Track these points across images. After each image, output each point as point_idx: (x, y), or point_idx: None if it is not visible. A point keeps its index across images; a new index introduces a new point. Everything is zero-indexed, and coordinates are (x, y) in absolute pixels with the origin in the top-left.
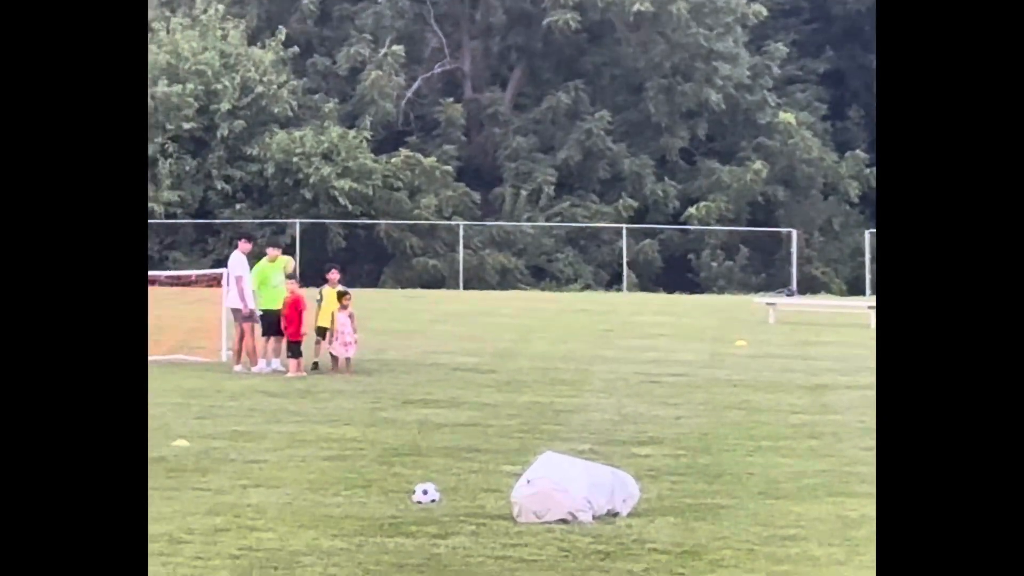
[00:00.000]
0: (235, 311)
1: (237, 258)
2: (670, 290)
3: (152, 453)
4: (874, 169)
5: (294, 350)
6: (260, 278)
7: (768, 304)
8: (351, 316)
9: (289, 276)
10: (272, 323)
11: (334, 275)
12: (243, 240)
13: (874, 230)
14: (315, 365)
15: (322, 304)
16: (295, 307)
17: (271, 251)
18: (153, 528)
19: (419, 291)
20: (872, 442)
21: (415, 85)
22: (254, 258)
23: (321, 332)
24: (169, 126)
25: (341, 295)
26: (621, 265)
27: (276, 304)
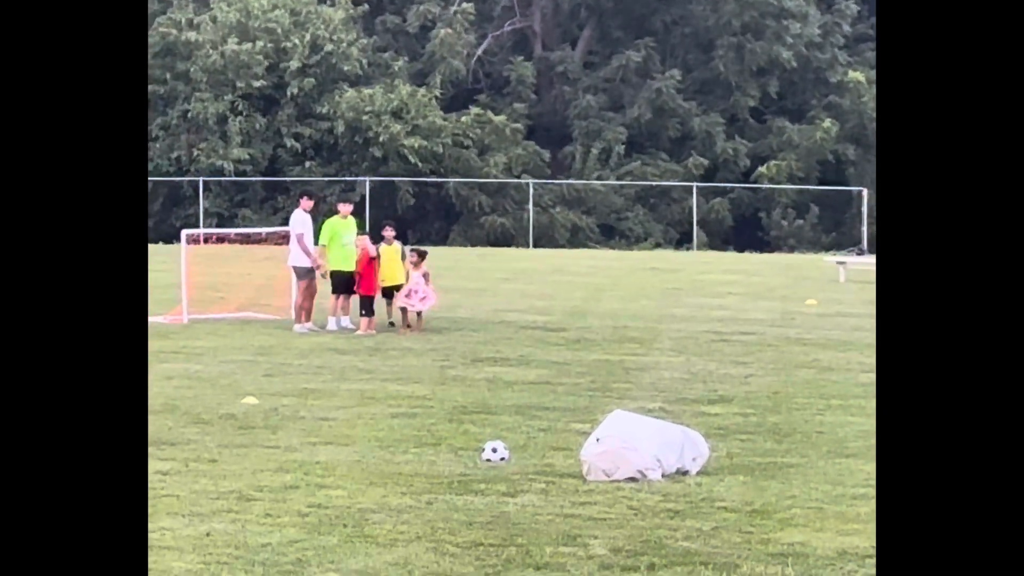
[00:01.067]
0: (296, 269)
1: (298, 216)
2: (740, 249)
3: (221, 410)
4: None
5: (366, 307)
6: (330, 234)
7: (838, 263)
8: (425, 275)
9: (361, 232)
10: (342, 282)
11: (389, 232)
12: (304, 198)
13: None
14: (391, 324)
15: (380, 262)
16: (368, 264)
17: (343, 208)
18: (223, 485)
19: (489, 249)
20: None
21: (485, 43)
22: (323, 215)
23: (386, 293)
24: (239, 84)
25: (413, 252)
26: (691, 224)
27: (346, 262)
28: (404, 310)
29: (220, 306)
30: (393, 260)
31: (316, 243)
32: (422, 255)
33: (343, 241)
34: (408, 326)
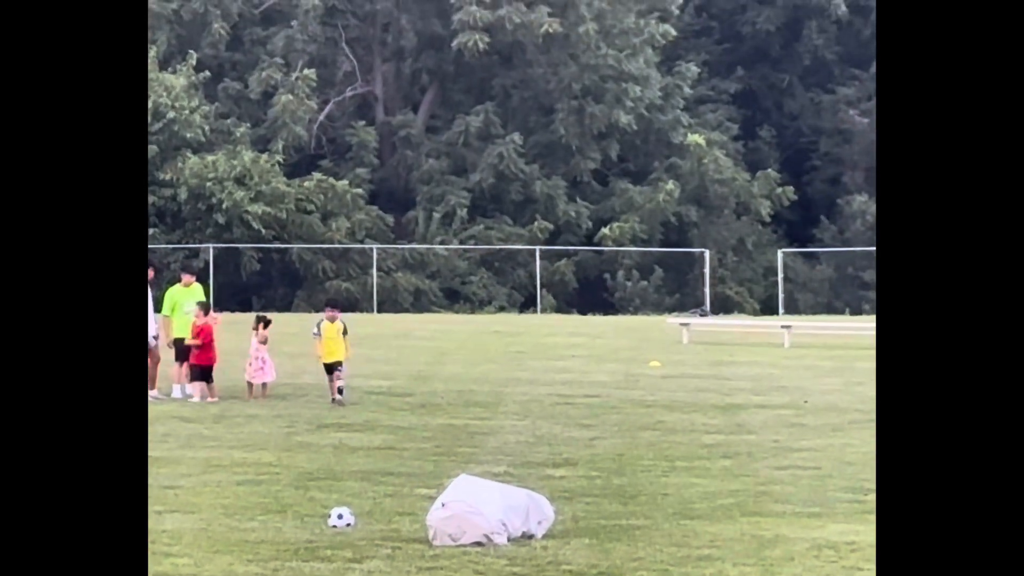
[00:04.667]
0: None
1: None
2: (584, 311)
3: None
4: (785, 188)
5: (196, 374)
6: (172, 303)
7: (682, 324)
8: (264, 341)
9: (202, 304)
10: (185, 349)
11: (333, 312)
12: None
13: (786, 249)
14: (333, 400)
15: (323, 338)
16: (201, 334)
17: (185, 277)
18: None
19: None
20: (786, 461)
21: (327, 109)
22: (167, 283)
23: (329, 369)
24: None
25: (259, 320)
26: (535, 287)
27: (188, 330)
28: (250, 383)
29: None
30: (334, 338)
31: (159, 312)
32: (268, 322)
33: (185, 310)
34: (252, 395)
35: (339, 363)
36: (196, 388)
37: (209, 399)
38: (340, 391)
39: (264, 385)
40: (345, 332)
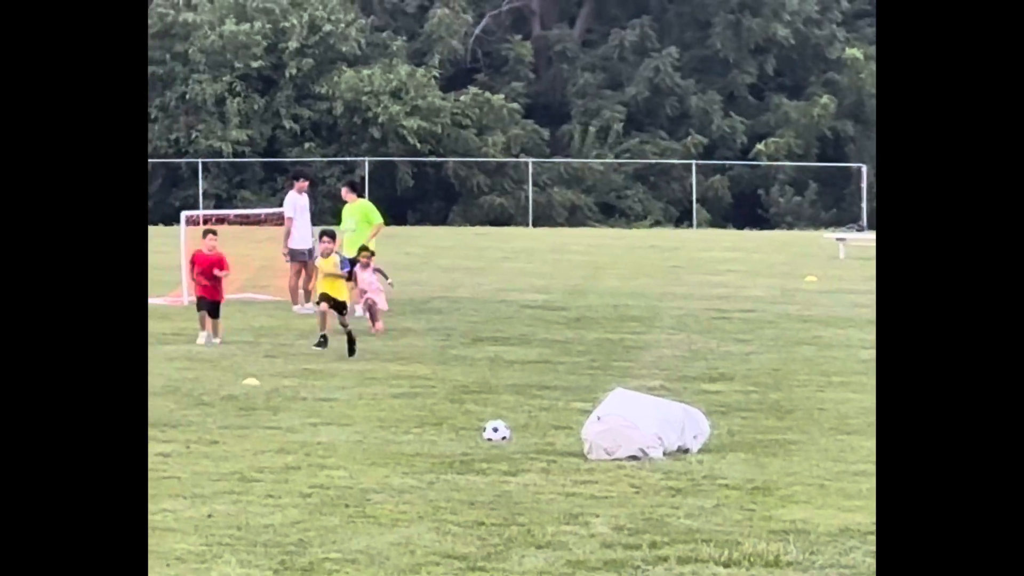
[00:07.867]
0: (290, 251)
1: (289, 199)
2: (739, 226)
3: (222, 392)
4: None
5: (204, 306)
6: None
7: (838, 239)
8: (376, 271)
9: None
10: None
11: (327, 244)
12: (298, 180)
13: None
14: (322, 340)
15: (317, 274)
16: (202, 263)
17: (343, 193)
18: (224, 467)
19: (488, 228)
20: None
21: (483, 22)
22: (321, 196)
23: (335, 307)
24: (237, 65)
25: (361, 250)
26: (690, 201)
27: (345, 248)
28: (369, 309)
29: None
30: (330, 273)
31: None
32: (372, 252)
33: (341, 228)
34: (377, 330)
35: (342, 303)
36: (206, 325)
37: (215, 339)
38: (350, 337)
39: (378, 311)
40: (350, 278)
